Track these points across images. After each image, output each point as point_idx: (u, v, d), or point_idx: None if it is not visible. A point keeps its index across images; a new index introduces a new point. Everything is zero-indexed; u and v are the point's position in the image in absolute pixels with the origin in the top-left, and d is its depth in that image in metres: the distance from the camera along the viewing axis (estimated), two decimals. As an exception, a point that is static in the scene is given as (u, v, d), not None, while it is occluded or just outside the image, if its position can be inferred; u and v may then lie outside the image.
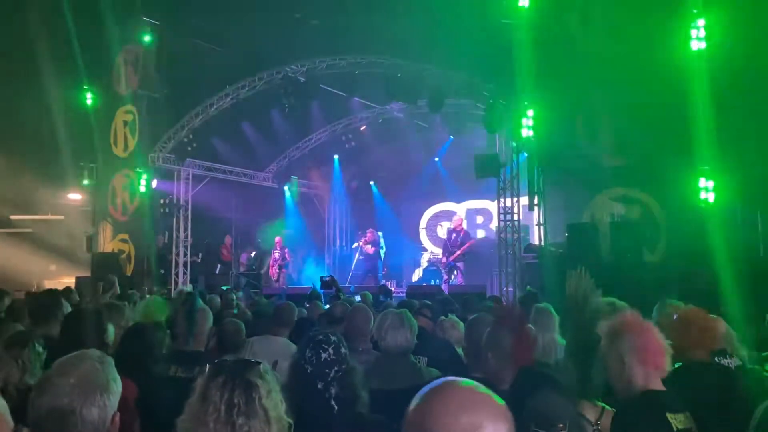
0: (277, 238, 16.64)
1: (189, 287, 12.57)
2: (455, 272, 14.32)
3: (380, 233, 17.19)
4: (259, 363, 1.74)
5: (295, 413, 2.15)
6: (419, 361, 3.51)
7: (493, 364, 2.78)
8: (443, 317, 5.02)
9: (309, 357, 2.37)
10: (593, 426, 2.61)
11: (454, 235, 14.44)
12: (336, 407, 2.31)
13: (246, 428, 1.60)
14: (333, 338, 2.45)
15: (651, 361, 2.47)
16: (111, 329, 3.83)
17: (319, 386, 2.31)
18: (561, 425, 2.18)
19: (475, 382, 1.25)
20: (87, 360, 1.83)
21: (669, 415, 2.36)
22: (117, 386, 1.82)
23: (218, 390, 1.63)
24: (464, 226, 15.06)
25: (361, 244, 16.46)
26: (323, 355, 2.37)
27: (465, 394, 1.20)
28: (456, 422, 1.15)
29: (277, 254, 16.42)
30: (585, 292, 2.90)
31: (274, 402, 1.67)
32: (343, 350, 2.43)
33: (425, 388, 1.25)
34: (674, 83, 9.03)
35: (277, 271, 16.29)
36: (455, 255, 14.15)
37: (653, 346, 2.50)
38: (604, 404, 2.68)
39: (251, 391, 1.64)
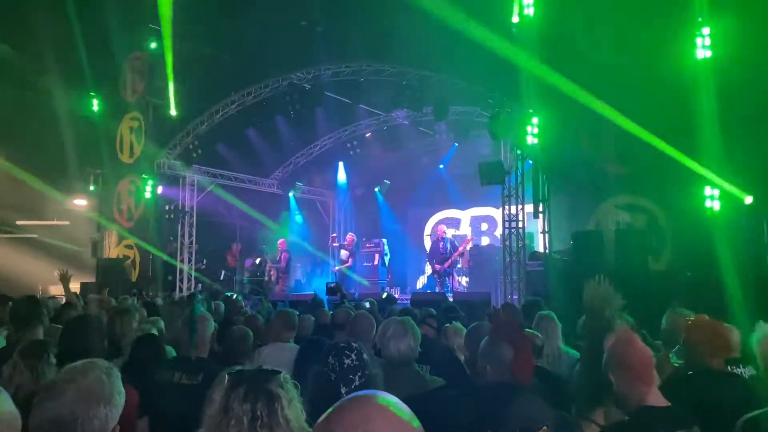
0: (280, 241, 16.61)
1: (198, 292, 12.59)
2: (449, 278, 14.26)
3: (384, 240, 17.19)
4: (279, 372, 1.73)
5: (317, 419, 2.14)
6: (422, 370, 3.50)
7: (491, 378, 2.74)
8: (447, 324, 5.00)
9: (332, 364, 2.39)
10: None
11: (441, 243, 14.39)
12: None
13: None
14: (354, 345, 2.46)
15: (636, 376, 2.39)
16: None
17: (343, 391, 2.32)
18: (545, 427, 2.18)
19: (395, 400, 1.22)
20: (94, 370, 1.83)
21: None
22: (121, 399, 1.82)
23: (240, 401, 1.63)
24: (447, 234, 14.95)
25: (334, 245, 16.61)
26: (346, 362, 2.39)
27: (374, 410, 1.18)
28: None
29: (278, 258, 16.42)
30: (603, 300, 2.87)
31: (295, 412, 1.67)
32: (365, 356, 2.45)
33: (345, 398, 1.23)
34: (680, 91, 9.02)
35: (276, 275, 16.26)
36: (450, 261, 14.10)
37: (636, 360, 2.41)
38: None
39: (273, 402, 1.64)
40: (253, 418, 1.60)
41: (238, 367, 1.74)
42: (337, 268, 16.41)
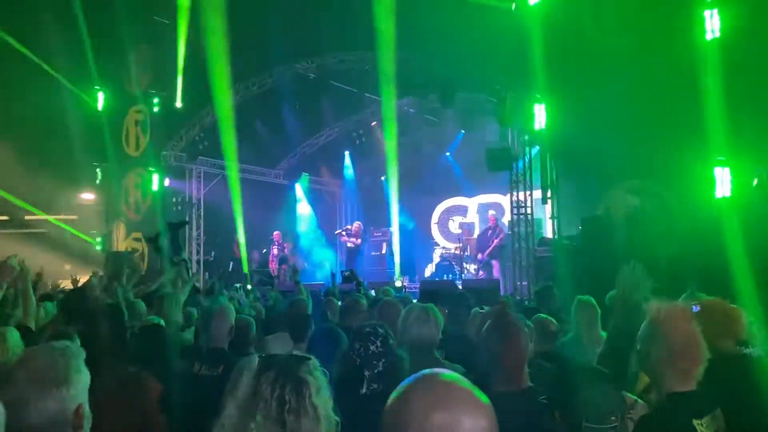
0: (275, 233, 16.60)
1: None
2: (486, 268, 14.28)
3: (392, 229, 17.19)
4: (309, 358, 1.73)
5: (340, 402, 2.16)
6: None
7: (485, 366, 2.78)
8: (476, 308, 5.00)
9: (357, 349, 2.41)
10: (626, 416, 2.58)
11: (489, 232, 14.41)
12: (381, 397, 2.34)
13: (296, 426, 1.59)
14: (380, 330, 2.47)
15: (682, 368, 2.32)
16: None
17: (366, 375, 2.34)
18: (613, 418, 2.16)
19: (458, 376, 1.20)
20: (48, 352, 1.83)
21: (695, 422, 2.25)
22: (81, 378, 1.80)
23: (269, 385, 1.62)
24: (496, 221, 14.94)
25: (343, 238, 16.72)
26: (371, 348, 2.41)
27: (444, 388, 1.16)
28: (430, 419, 1.10)
29: (275, 250, 16.43)
30: (634, 285, 2.85)
31: (323, 399, 1.66)
32: (390, 341, 2.46)
33: (405, 382, 1.21)
34: (688, 73, 8.94)
35: (277, 266, 16.29)
36: (487, 252, 14.12)
37: (691, 353, 2.33)
38: (636, 397, 2.64)
39: (302, 388, 1.63)
40: (281, 403, 1.60)
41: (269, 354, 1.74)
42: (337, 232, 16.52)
